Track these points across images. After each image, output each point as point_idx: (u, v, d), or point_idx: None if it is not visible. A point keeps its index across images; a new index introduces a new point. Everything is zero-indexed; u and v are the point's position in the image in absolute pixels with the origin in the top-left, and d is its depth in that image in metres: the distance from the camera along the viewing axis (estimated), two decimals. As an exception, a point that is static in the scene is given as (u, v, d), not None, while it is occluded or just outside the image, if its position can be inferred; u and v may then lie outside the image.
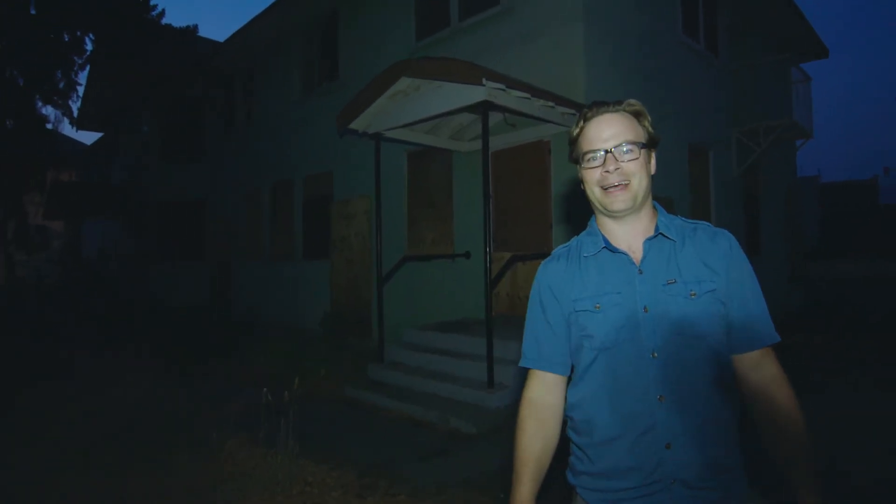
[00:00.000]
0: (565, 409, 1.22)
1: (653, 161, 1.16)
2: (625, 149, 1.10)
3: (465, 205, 6.53)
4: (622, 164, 1.10)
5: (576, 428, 1.18)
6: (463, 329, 5.60)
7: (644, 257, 1.12)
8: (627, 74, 6.08)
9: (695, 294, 1.08)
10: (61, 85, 11.27)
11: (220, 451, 3.70)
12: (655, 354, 1.07)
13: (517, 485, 1.21)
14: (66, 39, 10.97)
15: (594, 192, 1.14)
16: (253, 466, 3.42)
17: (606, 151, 1.11)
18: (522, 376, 4.34)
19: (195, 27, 12.16)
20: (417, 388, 4.96)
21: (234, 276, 11.15)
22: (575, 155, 1.18)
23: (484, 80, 4.35)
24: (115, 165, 15.35)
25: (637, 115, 1.15)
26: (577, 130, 1.17)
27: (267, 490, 3.10)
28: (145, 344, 7.83)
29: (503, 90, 4.55)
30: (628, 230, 1.15)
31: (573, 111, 5.14)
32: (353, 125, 5.62)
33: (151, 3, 11.60)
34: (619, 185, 1.10)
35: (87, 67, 11.64)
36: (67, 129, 46.88)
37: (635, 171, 1.10)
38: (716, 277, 1.10)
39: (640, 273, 1.11)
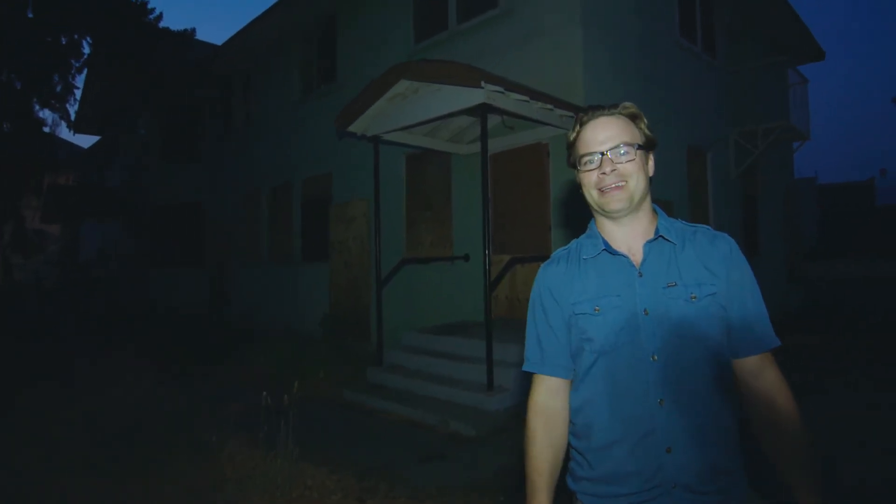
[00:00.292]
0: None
1: (650, 163, 1.17)
2: (621, 151, 1.11)
3: (464, 207, 6.54)
4: (618, 165, 1.11)
5: (576, 432, 1.18)
6: (462, 332, 5.60)
7: (644, 260, 1.12)
8: (626, 76, 6.09)
9: (695, 297, 1.08)
10: (59, 88, 11.26)
11: (220, 453, 3.70)
12: (655, 357, 1.07)
13: (535, 493, 1.18)
14: (64, 42, 10.96)
15: (592, 194, 1.15)
16: (252, 469, 3.42)
17: (602, 154, 1.11)
18: (522, 379, 4.32)
19: (193, 30, 12.16)
20: (417, 391, 4.96)
21: (233, 279, 11.14)
22: (573, 159, 1.19)
23: (482, 83, 4.36)
24: (113, 168, 15.36)
25: (633, 118, 1.15)
26: (574, 135, 1.18)
27: (266, 493, 3.10)
28: (144, 345, 7.82)
29: (502, 93, 4.56)
30: (627, 232, 1.15)
31: (572, 114, 5.15)
32: (352, 128, 5.63)
33: (149, 6, 11.60)
34: (615, 185, 1.11)
35: (85, 70, 11.65)
36: (65, 133, 46.86)
37: (632, 171, 1.11)
38: (716, 280, 1.10)
39: (641, 276, 1.10)
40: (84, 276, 13.91)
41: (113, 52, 10.95)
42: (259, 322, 9.36)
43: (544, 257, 6.09)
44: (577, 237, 1.26)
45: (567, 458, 1.22)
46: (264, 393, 3.57)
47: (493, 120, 5.76)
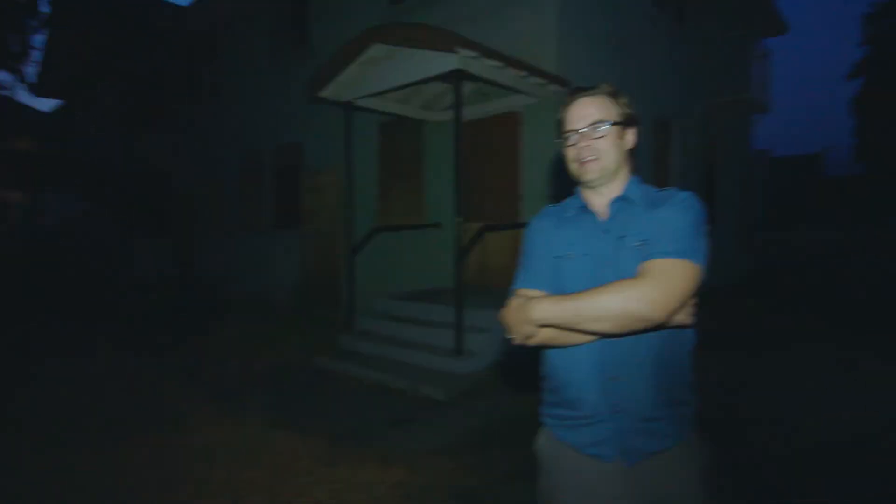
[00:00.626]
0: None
1: (629, 136, 1.31)
2: (596, 128, 1.25)
3: (437, 175, 6.52)
4: (592, 141, 1.25)
5: (544, 364, 1.33)
6: (433, 298, 5.68)
7: (610, 217, 1.27)
8: (598, 45, 6.10)
9: (643, 244, 1.20)
10: (15, 48, 10.44)
11: (189, 424, 3.70)
12: None
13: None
14: (21, 1, 10.12)
15: (572, 166, 1.30)
16: (222, 438, 3.44)
17: (580, 131, 1.26)
18: (491, 344, 4.46)
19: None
20: (388, 357, 5.04)
21: (202, 248, 10.88)
22: (560, 137, 1.33)
23: (457, 48, 4.31)
24: (75, 134, 14.47)
25: (611, 96, 1.28)
26: (561, 115, 1.32)
27: (236, 461, 3.13)
28: (110, 317, 7.61)
29: (476, 58, 4.52)
30: (601, 198, 1.30)
31: (545, 81, 5.16)
32: (324, 93, 5.49)
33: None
34: (590, 159, 1.25)
35: (45, 33, 10.81)
36: (27, 100, 43.49)
37: (604, 146, 1.25)
38: None
39: (606, 231, 1.25)
40: (44, 247, 13.23)
41: (72, 12, 10.18)
42: (230, 291, 9.23)
43: (515, 225, 6.18)
44: (550, 205, 1.44)
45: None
46: (235, 362, 3.56)
47: (467, 87, 5.70)
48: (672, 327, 1.17)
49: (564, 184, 1.32)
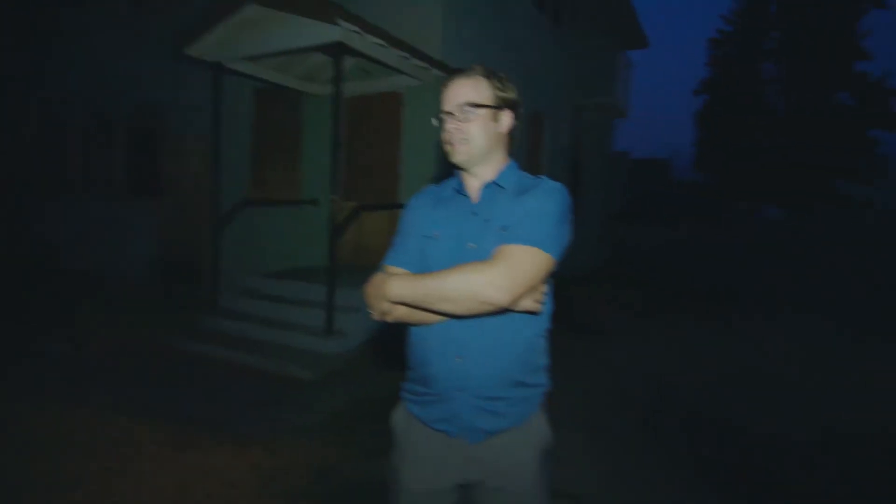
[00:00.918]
0: None
1: (503, 120, 1.28)
2: (465, 110, 1.23)
3: (315, 150, 6.29)
4: (461, 123, 1.24)
5: (408, 343, 1.35)
6: (305, 277, 5.52)
7: (479, 201, 1.28)
8: (481, 35, 6.28)
9: (504, 229, 1.21)
10: None
11: (8, 415, 3.23)
12: None
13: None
14: None
15: (446, 147, 1.28)
16: (50, 429, 3.06)
17: (451, 113, 1.25)
18: (362, 323, 4.45)
19: None
20: (254, 337, 4.82)
21: (37, 214, 9.32)
22: (438, 118, 1.31)
23: (339, 21, 4.16)
24: None
25: (486, 78, 1.26)
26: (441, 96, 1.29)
27: (65, 453, 2.81)
28: None
29: (359, 33, 4.41)
30: (476, 180, 1.30)
31: (427, 65, 5.20)
32: (190, 50, 5.00)
33: None
34: (458, 141, 1.24)
35: None
36: None
37: (473, 129, 1.24)
38: None
39: (474, 214, 1.26)
40: None
41: None
42: (71, 265, 8.09)
43: (392, 206, 6.20)
44: (431, 184, 1.43)
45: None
46: (74, 345, 3.17)
47: (350, 62, 5.55)
48: (518, 312, 1.18)
49: (448, 165, 1.33)
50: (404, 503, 1.30)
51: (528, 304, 1.16)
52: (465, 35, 5.95)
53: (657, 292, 8.18)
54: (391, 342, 4.49)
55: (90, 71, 8.43)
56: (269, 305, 5.12)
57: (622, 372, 4.49)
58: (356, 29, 4.33)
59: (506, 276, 1.09)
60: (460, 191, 1.31)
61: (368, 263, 5.92)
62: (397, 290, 1.18)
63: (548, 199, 1.20)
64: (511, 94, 1.29)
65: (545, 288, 1.21)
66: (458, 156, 1.26)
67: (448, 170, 1.35)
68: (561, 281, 1.30)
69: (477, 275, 1.10)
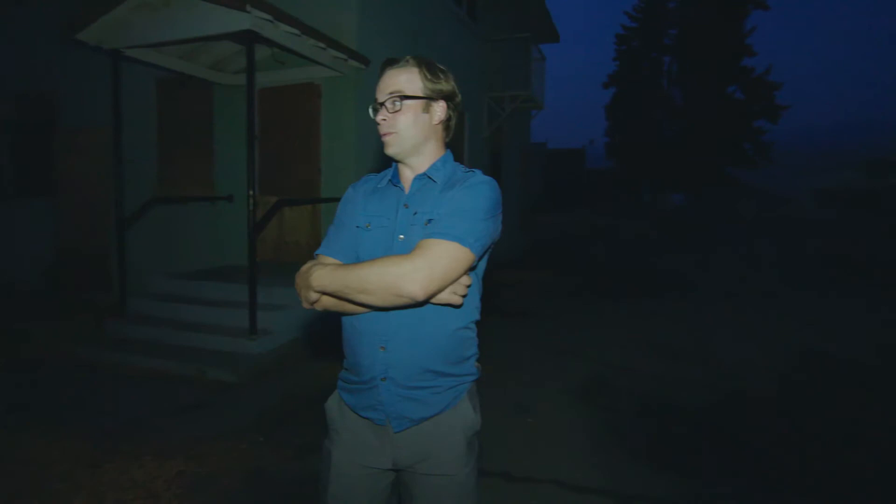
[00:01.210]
0: None
1: (436, 111, 1.27)
2: (394, 101, 1.22)
3: (228, 144, 6.01)
4: (390, 114, 1.23)
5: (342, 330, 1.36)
6: (223, 276, 5.29)
7: (410, 192, 1.27)
8: (397, 27, 6.26)
9: (429, 222, 1.22)
10: None
11: None
12: None
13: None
14: None
15: (382, 138, 1.26)
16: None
17: (381, 104, 1.24)
18: (287, 321, 4.34)
19: None
20: (170, 341, 4.56)
21: None
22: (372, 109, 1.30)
23: (248, 7, 4.00)
24: None
25: (419, 67, 1.25)
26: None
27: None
28: None
29: (270, 21, 4.26)
30: (410, 172, 1.29)
31: (344, 56, 5.12)
32: (83, 35, 4.59)
33: None
34: (388, 132, 1.23)
35: None
36: None
37: (402, 120, 1.22)
38: None
39: (406, 206, 1.26)
40: None
41: None
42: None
43: (313, 200, 6.06)
44: (353, 181, 1.42)
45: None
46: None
47: (263, 51, 5.35)
48: (436, 305, 1.19)
49: (371, 158, 1.33)
50: (336, 486, 1.31)
51: (446, 297, 1.16)
52: (382, 26, 5.92)
53: (574, 276, 8.66)
54: (329, 335, 4.42)
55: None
56: (186, 308, 4.86)
57: (545, 348, 4.75)
58: (268, 17, 4.18)
59: (421, 270, 1.09)
60: (395, 182, 1.31)
61: (291, 260, 5.78)
62: (321, 279, 1.17)
63: (475, 193, 1.20)
64: (445, 86, 1.28)
65: (469, 281, 1.21)
66: (390, 147, 1.25)
67: (372, 162, 1.36)
68: (484, 276, 1.35)
69: (394, 267, 1.10)
